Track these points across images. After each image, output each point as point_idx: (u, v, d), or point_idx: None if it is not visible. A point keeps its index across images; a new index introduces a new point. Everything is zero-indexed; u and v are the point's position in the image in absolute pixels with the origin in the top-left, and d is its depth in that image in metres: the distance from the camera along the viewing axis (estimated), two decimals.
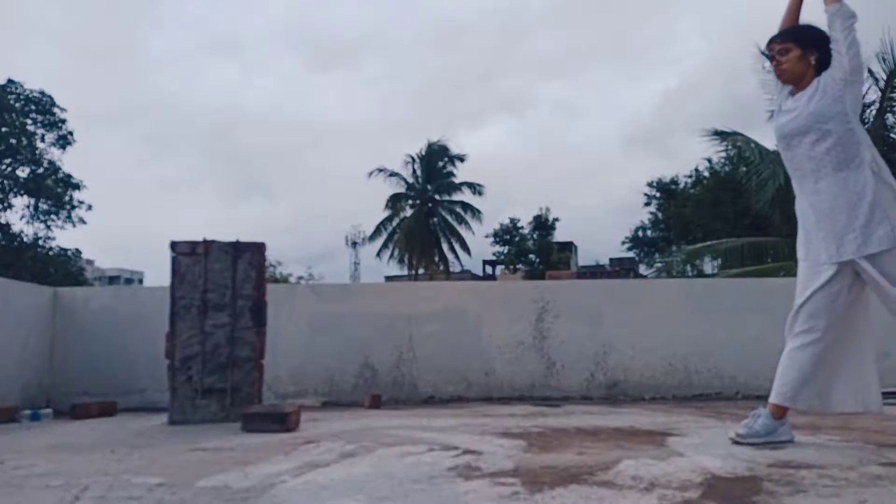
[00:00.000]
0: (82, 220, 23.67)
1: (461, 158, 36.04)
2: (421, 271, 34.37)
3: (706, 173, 27.34)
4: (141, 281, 60.47)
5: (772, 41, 2.80)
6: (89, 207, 23.74)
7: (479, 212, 35.35)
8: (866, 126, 12.86)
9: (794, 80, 2.74)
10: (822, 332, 2.64)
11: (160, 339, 4.17)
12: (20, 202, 22.54)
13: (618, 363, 5.50)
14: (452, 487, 2.01)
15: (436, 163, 35.51)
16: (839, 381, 2.70)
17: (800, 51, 2.70)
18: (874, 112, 12.70)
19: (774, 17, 2.94)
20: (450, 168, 35.93)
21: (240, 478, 2.23)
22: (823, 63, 2.69)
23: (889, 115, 12.71)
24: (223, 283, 4.13)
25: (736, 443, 2.70)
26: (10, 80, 22.46)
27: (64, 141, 23.45)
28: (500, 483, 2.04)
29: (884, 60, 12.16)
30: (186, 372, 4.04)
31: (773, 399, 2.72)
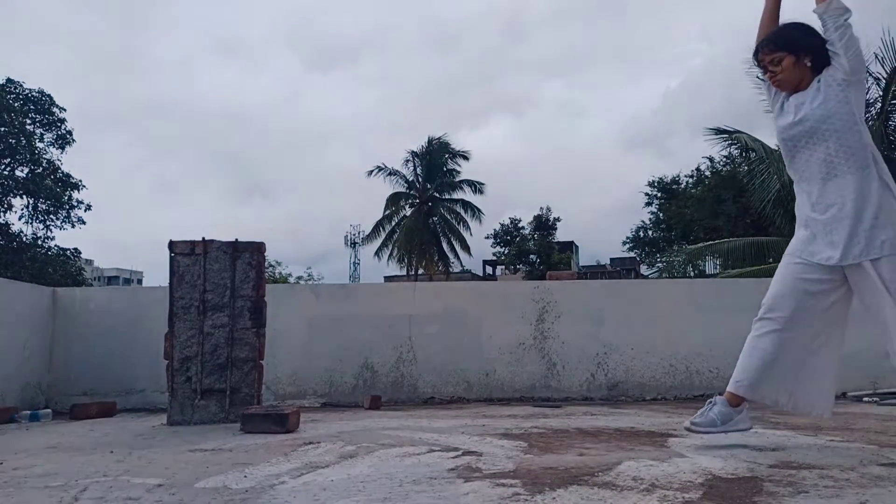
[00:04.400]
0: (81, 221, 23.64)
1: (464, 156, 35.45)
2: (421, 271, 34.23)
3: (707, 172, 27.36)
4: (140, 281, 60.59)
5: (759, 51, 2.63)
6: (88, 207, 23.72)
7: (479, 211, 34.98)
8: (868, 125, 12.85)
9: (793, 87, 2.60)
10: (784, 322, 2.59)
11: (159, 339, 4.16)
12: (19, 202, 22.54)
13: (619, 364, 5.49)
14: (453, 488, 2.00)
15: (437, 160, 35.01)
16: (808, 383, 2.64)
17: (793, 57, 2.55)
18: (875, 112, 12.69)
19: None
20: (452, 165, 35.44)
21: (239, 479, 2.22)
22: (820, 60, 2.54)
23: (892, 116, 12.69)
24: (222, 283, 4.12)
25: (690, 431, 2.66)
26: (8, 80, 22.43)
27: (63, 141, 23.43)
28: (501, 484, 2.03)
29: (884, 61, 12.15)
30: (185, 372, 4.03)
31: (730, 388, 2.68)
